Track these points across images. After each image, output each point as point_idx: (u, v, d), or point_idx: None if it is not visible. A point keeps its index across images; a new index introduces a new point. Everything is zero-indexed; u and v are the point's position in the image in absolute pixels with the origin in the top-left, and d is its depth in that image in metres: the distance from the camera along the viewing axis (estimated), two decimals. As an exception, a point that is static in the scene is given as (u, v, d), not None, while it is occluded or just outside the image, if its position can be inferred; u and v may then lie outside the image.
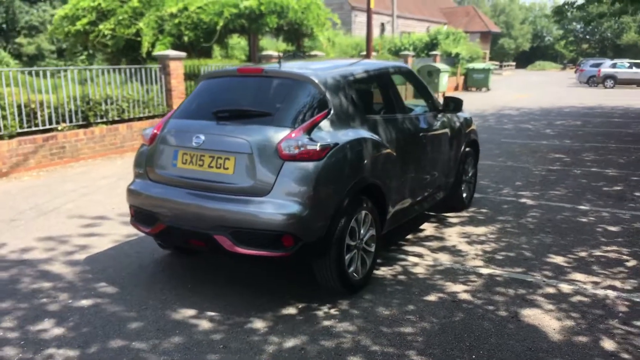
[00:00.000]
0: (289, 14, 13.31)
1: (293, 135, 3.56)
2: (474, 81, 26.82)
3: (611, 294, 3.94)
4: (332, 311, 3.67)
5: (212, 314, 3.64)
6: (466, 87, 27.36)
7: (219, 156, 3.67)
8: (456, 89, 26.94)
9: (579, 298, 3.87)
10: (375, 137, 4.11)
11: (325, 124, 3.75)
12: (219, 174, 3.67)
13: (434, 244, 5.00)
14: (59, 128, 8.91)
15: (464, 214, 5.95)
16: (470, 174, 6.17)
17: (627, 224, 5.57)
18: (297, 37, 15.15)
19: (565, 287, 4.05)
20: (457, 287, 4.05)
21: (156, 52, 10.99)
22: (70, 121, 9.09)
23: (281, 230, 3.46)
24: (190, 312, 3.66)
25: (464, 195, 6.02)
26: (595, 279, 4.20)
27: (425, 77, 22.27)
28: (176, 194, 3.79)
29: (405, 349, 3.20)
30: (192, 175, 3.78)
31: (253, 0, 12.62)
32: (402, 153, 4.45)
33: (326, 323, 3.50)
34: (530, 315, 3.62)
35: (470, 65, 27.04)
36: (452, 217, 5.84)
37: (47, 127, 8.71)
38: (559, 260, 4.58)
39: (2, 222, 5.65)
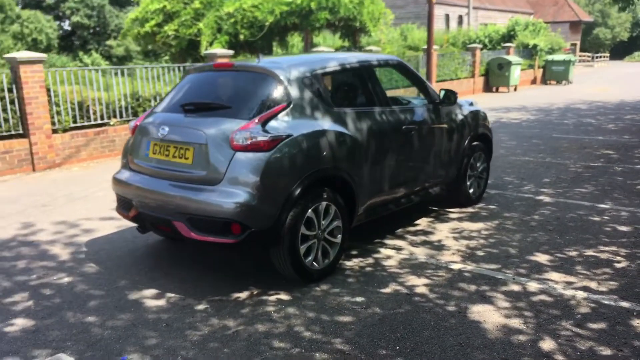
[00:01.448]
0: (340, 9, 13.38)
1: (246, 126, 3.70)
2: (553, 74, 25.44)
3: (580, 294, 3.74)
4: (283, 298, 3.78)
5: (171, 295, 3.87)
6: (545, 81, 26.03)
7: (180, 146, 3.89)
8: (533, 82, 25.73)
9: (541, 297, 3.72)
10: (342, 129, 4.15)
11: (283, 116, 3.85)
12: (181, 164, 3.89)
13: (419, 238, 4.94)
14: (111, 123, 9.59)
15: (469, 209, 5.80)
16: (480, 169, 5.99)
17: (642, 224, 5.19)
18: (351, 32, 15.18)
19: (533, 286, 3.89)
20: (418, 281, 4.01)
21: (205, 51, 11.49)
22: (121, 116, 9.75)
23: (228, 218, 3.61)
24: (152, 292, 3.91)
25: (471, 190, 5.86)
26: (571, 279, 4.00)
27: (495, 70, 21.50)
28: (145, 182, 4.06)
29: (334, 337, 3.25)
30: (160, 165, 4.03)
31: (304, -4, 12.83)
32: (378, 146, 4.45)
33: (270, 308, 3.62)
34: (479, 311, 3.53)
35: (550, 57, 25.67)
36: (454, 212, 5.72)
37: (99, 122, 9.41)
38: (542, 258, 4.39)
39: (35, 207, 6.24)
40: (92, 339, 3.27)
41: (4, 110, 8.07)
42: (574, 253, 4.50)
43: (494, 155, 8.60)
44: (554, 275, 4.06)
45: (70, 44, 33.15)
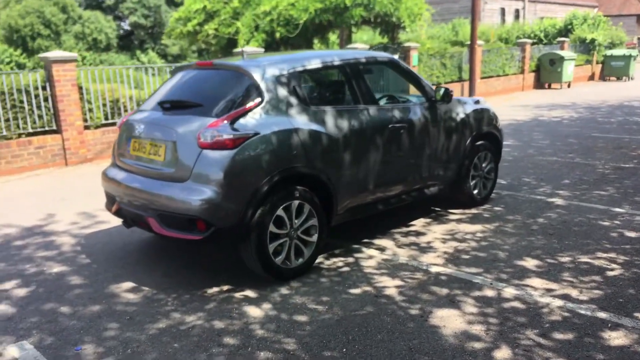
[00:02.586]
0: (376, 6, 13.24)
1: (213, 124, 3.73)
2: (612, 69, 24.13)
3: (557, 303, 3.56)
4: (249, 295, 3.80)
5: (146, 288, 3.97)
6: (603, 77, 24.76)
7: (154, 144, 3.99)
8: (591, 78, 24.53)
9: (514, 304, 3.56)
10: (317, 127, 4.11)
11: (254, 114, 3.86)
12: (154, 161, 3.98)
13: (409, 238, 4.84)
14: (142, 120, 9.91)
15: (472, 210, 5.62)
16: (486, 169, 5.78)
17: (654, 230, 4.87)
18: (390, 29, 14.99)
19: (509, 292, 3.73)
20: (391, 283, 3.93)
21: (236, 50, 11.67)
22: (152, 114, 10.06)
23: (193, 215, 3.66)
24: (129, 285, 4.03)
25: (475, 191, 5.67)
26: (553, 286, 3.81)
27: (547, 66, 20.66)
28: (126, 178, 4.18)
29: (285, 337, 3.24)
30: (138, 162, 4.14)
31: (338, -7, 12.78)
32: (359, 145, 4.37)
33: (232, 306, 3.65)
34: (442, 316, 3.43)
35: (609, 52, 24.40)
36: (456, 213, 5.55)
37: (130, 119, 9.75)
38: (530, 263, 4.20)
39: (55, 200, 6.55)
40: (56, 329, 3.41)
41: (38, 107, 8.50)
42: (566, 259, 4.28)
43: (518, 155, 8.33)
44: (536, 282, 3.88)
45: (129, 43, 34.51)
